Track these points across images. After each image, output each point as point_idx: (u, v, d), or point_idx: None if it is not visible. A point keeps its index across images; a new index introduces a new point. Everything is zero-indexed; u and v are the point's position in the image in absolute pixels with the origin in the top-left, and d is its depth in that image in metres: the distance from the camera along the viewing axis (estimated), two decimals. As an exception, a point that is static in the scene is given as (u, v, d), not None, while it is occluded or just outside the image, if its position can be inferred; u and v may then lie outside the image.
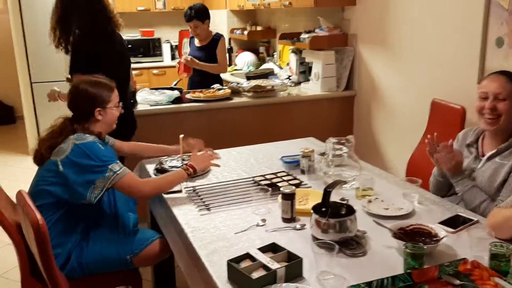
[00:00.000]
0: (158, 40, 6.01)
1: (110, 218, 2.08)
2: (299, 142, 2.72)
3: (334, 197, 1.71)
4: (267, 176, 2.14)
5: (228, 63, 3.94)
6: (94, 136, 1.97)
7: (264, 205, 1.86)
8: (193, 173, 2.08)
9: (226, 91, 3.44)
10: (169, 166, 2.25)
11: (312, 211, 1.59)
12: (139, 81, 5.52)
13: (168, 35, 6.22)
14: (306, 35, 3.73)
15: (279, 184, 2.02)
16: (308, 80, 3.88)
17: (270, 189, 1.92)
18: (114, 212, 2.10)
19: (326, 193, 1.60)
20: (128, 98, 2.80)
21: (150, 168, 2.33)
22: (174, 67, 5.77)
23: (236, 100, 3.43)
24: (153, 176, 2.25)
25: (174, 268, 2.47)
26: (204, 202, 1.93)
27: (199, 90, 3.46)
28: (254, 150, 2.64)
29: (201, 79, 3.84)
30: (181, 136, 2.36)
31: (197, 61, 3.78)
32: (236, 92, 3.54)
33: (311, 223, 1.59)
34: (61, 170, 1.88)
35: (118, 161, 1.94)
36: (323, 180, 2.11)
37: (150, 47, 5.98)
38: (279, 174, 2.17)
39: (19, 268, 1.89)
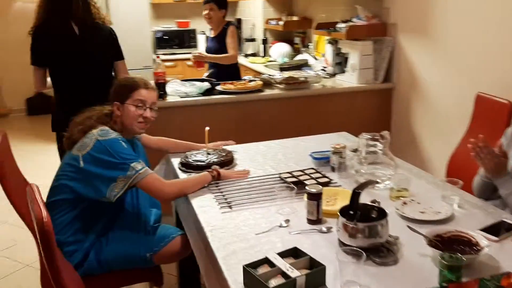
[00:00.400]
0: (193, 31, 5.96)
1: (131, 215, 2.02)
2: (331, 137, 2.58)
3: (365, 198, 1.58)
4: (294, 173, 2.03)
5: (238, 51, 3.87)
6: (117, 133, 1.91)
7: (288, 204, 1.74)
8: (217, 177, 2.00)
9: (258, 82, 3.33)
10: (194, 160, 2.17)
11: (339, 213, 1.47)
12: (174, 73, 5.51)
13: (203, 26, 6.15)
14: (343, 25, 3.56)
15: (306, 182, 1.90)
16: (344, 71, 3.71)
17: (295, 187, 1.81)
18: (135, 209, 2.04)
19: (355, 195, 1.47)
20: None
21: (176, 161, 2.25)
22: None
23: (268, 92, 3.31)
24: (177, 169, 2.18)
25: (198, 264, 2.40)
26: (226, 199, 1.84)
27: (230, 81, 3.36)
28: (283, 144, 2.53)
29: (217, 71, 3.77)
30: (207, 128, 2.27)
31: (205, 54, 3.73)
32: (268, 84, 3.42)
33: (338, 227, 1.46)
34: (82, 166, 1.83)
35: (140, 161, 1.87)
36: (354, 178, 1.97)
37: (185, 38, 5.95)
38: (307, 171, 2.05)
39: (39, 263, 1.86)
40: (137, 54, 5.16)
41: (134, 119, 2.03)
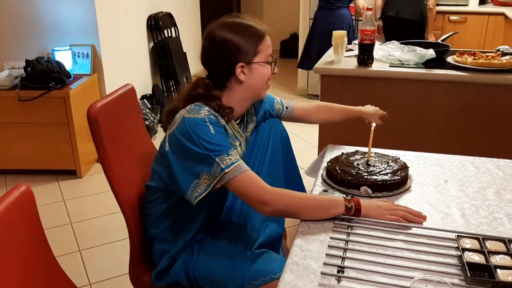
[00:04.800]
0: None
1: (234, 225, 1.48)
2: None
3: None
4: (490, 244, 1.12)
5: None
6: (209, 110, 1.36)
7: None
8: (354, 213, 1.26)
9: (514, 59, 2.23)
10: (341, 170, 1.46)
11: None
12: (433, 28, 4.49)
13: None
14: None
15: (501, 272, 1.00)
16: None
17: (473, 276, 0.95)
18: (242, 219, 1.48)
19: None
20: None
21: (332, 155, 1.57)
22: (482, 14, 4.50)
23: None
24: (319, 177, 1.51)
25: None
26: (343, 257, 1.11)
27: (470, 51, 2.35)
28: (509, 170, 1.54)
29: None
30: (373, 125, 1.50)
31: None
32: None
33: None
34: (167, 149, 1.37)
35: (231, 152, 1.29)
36: None
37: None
38: (517, 245, 1.12)
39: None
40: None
41: (264, 81, 1.45)
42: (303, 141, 3.88)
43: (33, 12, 3.33)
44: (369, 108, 1.80)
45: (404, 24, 3.94)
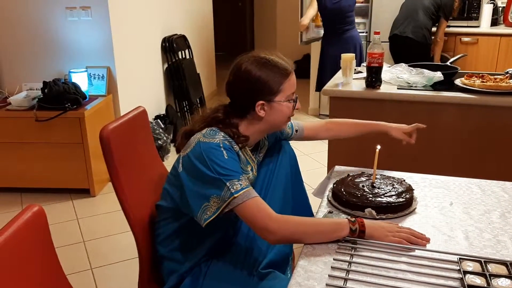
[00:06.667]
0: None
1: (241, 247, 1.50)
2: None
3: None
4: (492, 267, 1.13)
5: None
6: (224, 136, 1.40)
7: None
8: (358, 234, 1.28)
9: (522, 81, 2.24)
10: (346, 192, 1.48)
11: None
12: (444, 49, 4.53)
13: (493, -7, 4.86)
14: None
15: (499, 298, 1.01)
16: None
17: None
18: (248, 241, 1.50)
19: None
20: None
21: (338, 176, 1.60)
22: (494, 35, 4.52)
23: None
24: (325, 198, 1.53)
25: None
26: (346, 278, 1.13)
27: (479, 74, 2.37)
28: (516, 195, 1.55)
29: None
30: (378, 147, 1.53)
31: None
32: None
33: None
34: (180, 170, 1.41)
35: (242, 178, 1.33)
36: None
37: (466, 8, 4.78)
38: (520, 269, 1.12)
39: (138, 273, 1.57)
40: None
41: (285, 117, 1.49)
42: (314, 161, 3.90)
43: (51, 34, 3.44)
44: (394, 124, 1.81)
45: (408, 44, 4.01)
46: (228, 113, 1.49)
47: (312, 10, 4.12)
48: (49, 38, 3.45)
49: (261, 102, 1.43)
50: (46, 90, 3.17)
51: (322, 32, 4.39)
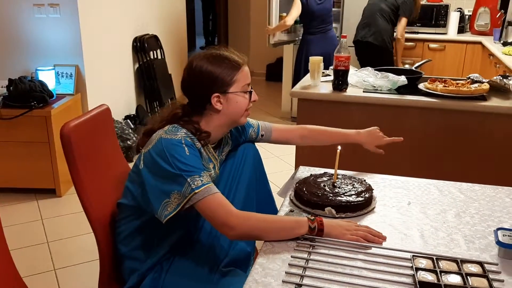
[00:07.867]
0: (446, 7, 4.86)
1: (202, 246, 1.50)
2: None
3: None
4: (443, 264, 1.16)
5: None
6: (186, 133, 1.41)
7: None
8: (316, 233, 1.30)
9: (483, 87, 2.31)
10: (308, 191, 1.50)
11: None
12: (412, 55, 4.65)
13: (460, 2, 5.00)
14: None
15: (448, 294, 1.04)
16: None
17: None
18: (211, 238, 1.51)
19: None
20: None
21: (302, 176, 1.61)
22: (460, 42, 4.63)
23: (494, 103, 2.26)
24: (287, 198, 1.55)
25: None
26: (302, 274, 1.14)
27: (441, 79, 2.43)
28: (476, 194, 1.60)
29: None
30: (339, 148, 1.56)
31: None
32: (499, 90, 2.36)
33: None
34: (141, 167, 1.41)
35: (203, 174, 1.33)
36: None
37: (434, 15, 4.91)
38: (468, 267, 1.16)
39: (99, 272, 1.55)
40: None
41: (243, 110, 1.50)
42: (284, 162, 3.93)
43: (18, 31, 3.37)
44: (365, 134, 1.81)
45: (370, 48, 4.08)
46: (187, 111, 1.50)
47: (296, 11, 4.03)
48: (15, 35, 3.39)
49: (216, 94, 1.45)
50: (11, 88, 3.11)
51: (290, 35, 4.42)
